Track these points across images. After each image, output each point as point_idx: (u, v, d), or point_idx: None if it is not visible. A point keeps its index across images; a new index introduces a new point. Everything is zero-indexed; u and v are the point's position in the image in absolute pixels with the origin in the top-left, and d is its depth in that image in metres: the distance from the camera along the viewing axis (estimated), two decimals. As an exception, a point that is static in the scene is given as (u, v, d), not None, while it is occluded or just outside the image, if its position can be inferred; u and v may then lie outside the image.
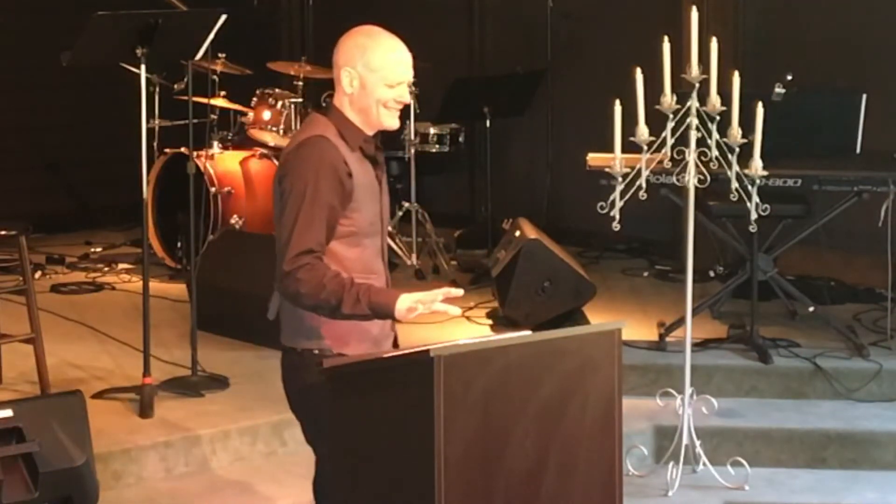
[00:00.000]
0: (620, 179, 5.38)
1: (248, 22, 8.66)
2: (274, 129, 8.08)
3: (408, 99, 3.99)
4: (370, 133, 3.96)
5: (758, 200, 5.38)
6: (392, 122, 3.95)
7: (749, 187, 5.37)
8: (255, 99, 8.17)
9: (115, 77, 7.42)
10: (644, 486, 5.55)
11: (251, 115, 8.14)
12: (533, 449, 3.56)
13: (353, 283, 3.78)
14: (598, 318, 6.64)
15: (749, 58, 7.81)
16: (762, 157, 5.37)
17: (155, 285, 7.04)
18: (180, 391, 5.81)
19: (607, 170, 5.46)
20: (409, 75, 3.93)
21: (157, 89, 8.11)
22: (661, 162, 5.55)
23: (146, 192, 6.00)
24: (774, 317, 6.84)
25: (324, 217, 3.81)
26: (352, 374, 3.70)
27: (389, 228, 4.06)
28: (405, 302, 3.74)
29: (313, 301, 3.79)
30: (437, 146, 8.34)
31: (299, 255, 3.79)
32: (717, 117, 5.35)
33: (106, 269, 8.17)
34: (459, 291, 3.83)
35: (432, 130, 8.32)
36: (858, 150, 6.59)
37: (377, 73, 3.87)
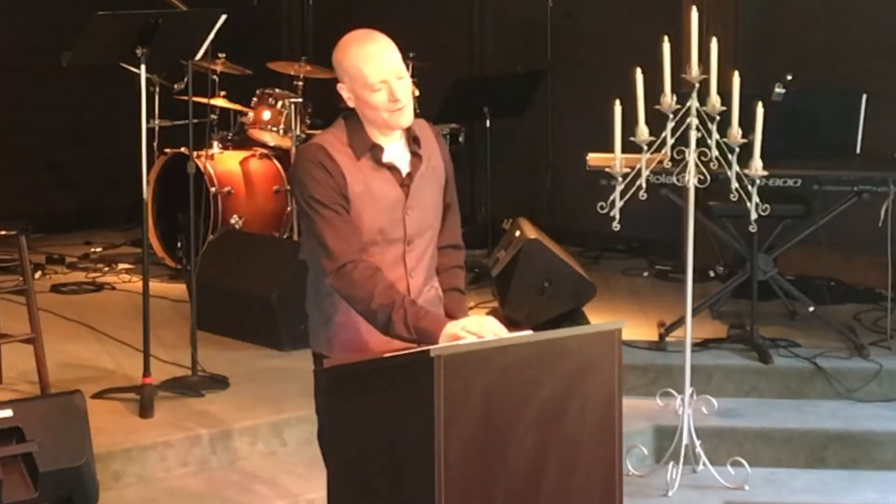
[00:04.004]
0: (620, 179, 5.38)
1: (248, 22, 8.65)
2: (274, 129, 8.08)
3: (401, 93, 3.81)
4: (382, 141, 3.87)
5: (758, 200, 5.37)
6: (400, 121, 3.85)
7: (749, 187, 5.37)
8: (255, 99, 8.17)
9: (115, 77, 7.42)
10: (644, 486, 5.55)
11: (251, 115, 8.14)
12: (533, 449, 3.56)
13: (405, 301, 3.73)
14: (598, 318, 6.63)
15: (749, 58, 7.81)
16: (762, 157, 5.36)
17: (155, 285, 7.04)
18: (180, 391, 5.81)
19: (607, 170, 5.45)
20: (387, 71, 3.78)
21: (157, 89, 8.11)
22: (661, 162, 5.55)
23: (146, 192, 5.99)
24: (774, 317, 6.84)
25: (336, 213, 3.78)
26: (352, 373, 3.70)
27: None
28: (451, 329, 3.67)
29: (363, 308, 3.76)
30: (437, 146, 8.33)
31: (342, 254, 3.76)
32: (717, 117, 5.34)
33: (106, 269, 8.17)
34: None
35: (432, 130, 8.31)
36: (858, 150, 6.59)
37: (358, 80, 3.80)
